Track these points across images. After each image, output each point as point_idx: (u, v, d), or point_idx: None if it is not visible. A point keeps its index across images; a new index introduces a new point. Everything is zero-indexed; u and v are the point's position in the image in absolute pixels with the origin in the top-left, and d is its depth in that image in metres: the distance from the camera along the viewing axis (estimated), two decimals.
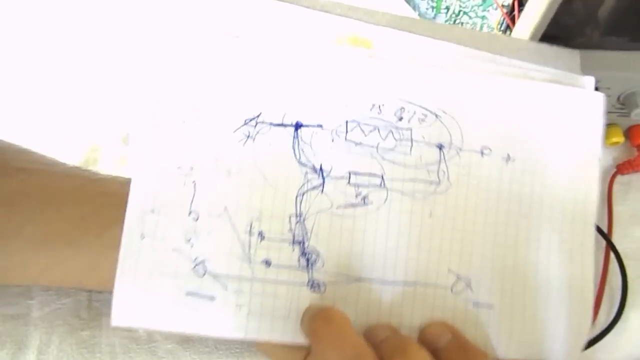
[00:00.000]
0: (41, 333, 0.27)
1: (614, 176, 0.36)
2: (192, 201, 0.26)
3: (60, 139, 0.33)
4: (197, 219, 0.26)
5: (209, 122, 0.26)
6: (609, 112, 0.32)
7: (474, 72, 0.29)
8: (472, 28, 0.38)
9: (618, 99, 0.33)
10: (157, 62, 0.27)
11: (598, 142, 0.29)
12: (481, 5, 0.38)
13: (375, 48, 0.28)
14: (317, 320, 0.24)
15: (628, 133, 0.37)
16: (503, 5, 0.34)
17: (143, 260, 0.25)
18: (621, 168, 0.36)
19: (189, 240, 0.25)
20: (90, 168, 0.29)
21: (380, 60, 0.28)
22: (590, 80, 0.29)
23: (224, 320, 0.25)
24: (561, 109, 0.29)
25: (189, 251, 0.25)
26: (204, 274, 0.25)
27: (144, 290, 0.25)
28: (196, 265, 0.25)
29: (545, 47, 0.30)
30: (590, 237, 0.28)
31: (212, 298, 0.25)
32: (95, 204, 0.26)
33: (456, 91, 0.28)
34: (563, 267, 0.28)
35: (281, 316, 0.26)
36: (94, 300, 0.29)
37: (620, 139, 0.36)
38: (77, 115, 0.34)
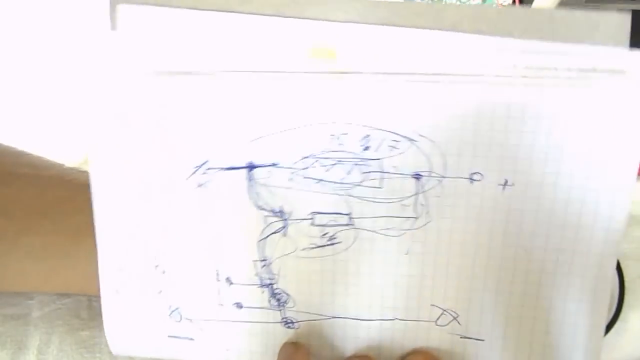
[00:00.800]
0: (41, 333, 0.28)
1: None
2: (155, 255, 0.26)
3: (60, 139, 0.34)
4: (164, 272, 0.26)
5: (162, 171, 0.25)
6: None
7: (462, 79, 0.22)
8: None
9: None
10: (107, 103, 0.25)
11: (636, 154, 0.22)
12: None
13: (339, 57, 0.23)
14: None
15: None
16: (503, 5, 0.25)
17: (123, 311, 0.26)
18: None
19: (160, 292, 0.26)
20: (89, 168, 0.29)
21: (338, 80, 0.23)
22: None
23: (206, 356, 0.27)
24: (580, 119, 0.22)
25: (163, 301, 0.26)
26: (180, 320, 0.26)
27: (132, 332, 0.27)
28: (172, 312, 0.26)
29: (577, 15, 0.22)
30: (609, 271, 0.23)
31: (191, 339, 0.27)
32: (89, 214, 0.26)
33: (437, 108, 0.22)
34: (570, 303, 0.24)
35: (259, 352, 0.26)
36: (94, 301, 0.29)
37: None
38: (76, 116, 0.34)
